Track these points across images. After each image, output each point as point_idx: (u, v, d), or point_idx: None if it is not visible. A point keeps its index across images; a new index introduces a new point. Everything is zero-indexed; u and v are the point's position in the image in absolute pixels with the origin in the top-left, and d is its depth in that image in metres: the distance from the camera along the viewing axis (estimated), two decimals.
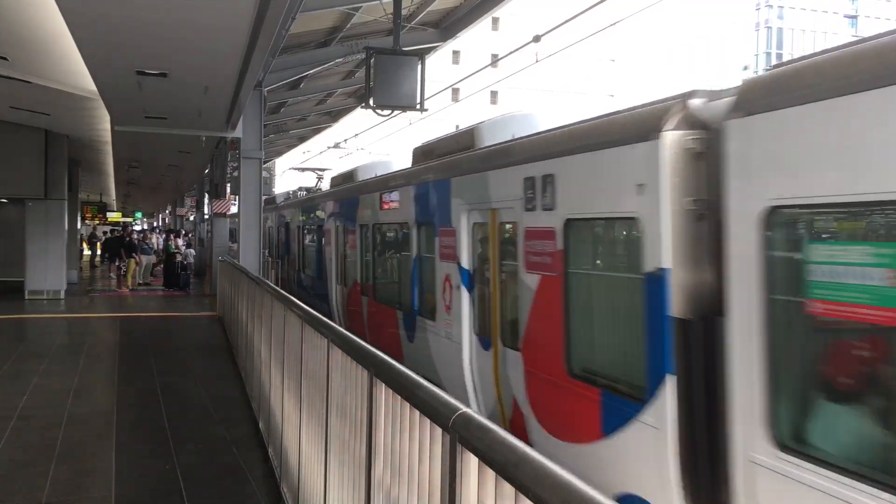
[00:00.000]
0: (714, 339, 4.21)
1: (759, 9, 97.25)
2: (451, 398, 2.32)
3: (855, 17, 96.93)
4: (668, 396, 4.44)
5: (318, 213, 16.07)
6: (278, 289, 6.81)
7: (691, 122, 4.56)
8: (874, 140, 3.31)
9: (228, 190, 21.90)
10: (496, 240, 7.11)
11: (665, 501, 4.44)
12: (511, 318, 6.75)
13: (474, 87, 28.62)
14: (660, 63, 68.28)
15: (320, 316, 4.55)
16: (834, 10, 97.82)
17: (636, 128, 4.90)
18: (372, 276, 11.85)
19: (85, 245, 34.44)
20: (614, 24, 14.03)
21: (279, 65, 16.55)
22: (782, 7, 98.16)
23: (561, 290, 5.74)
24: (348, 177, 14.96)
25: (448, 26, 16.20)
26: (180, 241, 27.07)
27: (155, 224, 61.42)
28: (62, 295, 20.21)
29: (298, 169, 25.35)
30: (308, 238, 17.53)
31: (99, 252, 34.40)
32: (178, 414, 8.34)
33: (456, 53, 64.73)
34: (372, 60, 11.80)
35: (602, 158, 5.25)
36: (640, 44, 69.81)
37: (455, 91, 45.90)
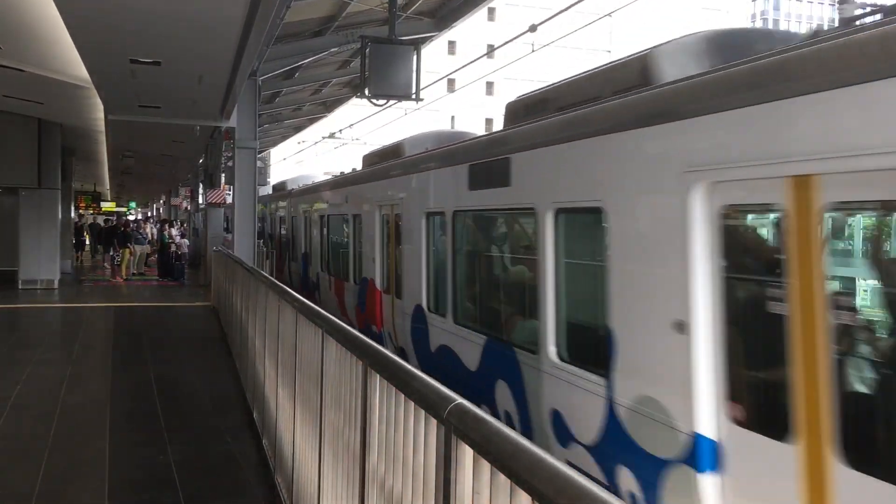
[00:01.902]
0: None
1: (754, 0, 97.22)
2: (446, 389, 2.31)
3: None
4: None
5: None
6: (272, 279, 6.78)
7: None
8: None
9: (223, 180, 21.85)
10: None
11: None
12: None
13: (470, 77, 28.53)
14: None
15: (314, 306, 4.53)
16: (829, 1, 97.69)
17: None
18: None
19: (86, 235, 34.00)
20: (610, 13, 14.00)
21: (274, 54, 16.47)
22: None
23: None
24: None
25: (444, 16, 16.12)
26: (174, 231, 26.98)
27: (149, 214, 61.25)
28: (56, 284, 20.15)
29: None
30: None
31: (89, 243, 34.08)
32: (171, 404, 8.32)
33: (452, 44, 64.54)
34: (367, 50, 11.75)
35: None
36: (636, 34, 69.68)
37: (451, 81, 45.82)
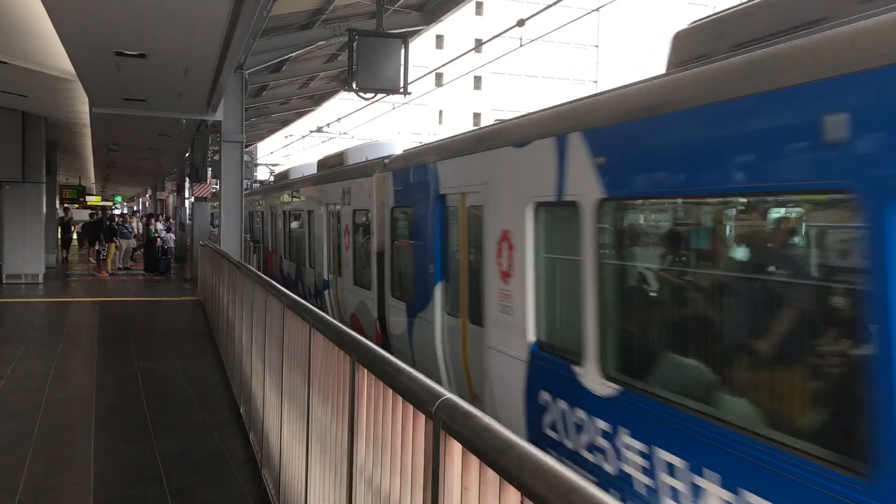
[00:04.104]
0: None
1: None
2: (434, 384, 2.29)
3: None
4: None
5: None
6: (259, 273, 6.75)
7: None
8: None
9: (209, 174, 21.73)
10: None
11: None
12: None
13: (458, 71, 28.52)
14: (642, 48, 68.36)
15: (302, 300, 4.51)
16: None
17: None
18: None
19: (73, 230, 33.39)
20: (598, 9, 14.00)
21: (260, 47, 16.38)
22: None
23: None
24: None
25: (432, 9, 16.08)
26: (160, 226, 26.82)
27: (135, 208, 60.90)
28: (40, 279, 20.00)
29: None
30: None
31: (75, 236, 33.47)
32: (157, 399, 8.28)
33: (440, 38, 64.45)
34: (355, 43, 11.70)
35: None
36: (623, 29, 69.79)
37: (438, 76, 45.80)
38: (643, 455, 4.51)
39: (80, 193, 36.55)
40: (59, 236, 27.85)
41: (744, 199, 4.16)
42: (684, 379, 4.46)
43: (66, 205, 33.64)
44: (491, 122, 9.36)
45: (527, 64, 62.96)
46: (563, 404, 5.48)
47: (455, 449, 2.01)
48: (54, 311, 15.49)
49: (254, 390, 6.53)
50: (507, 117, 8.17)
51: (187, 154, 25.01)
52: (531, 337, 5.98)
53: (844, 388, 3.45)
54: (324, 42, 17.16)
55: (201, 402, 8.20)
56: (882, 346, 3.13)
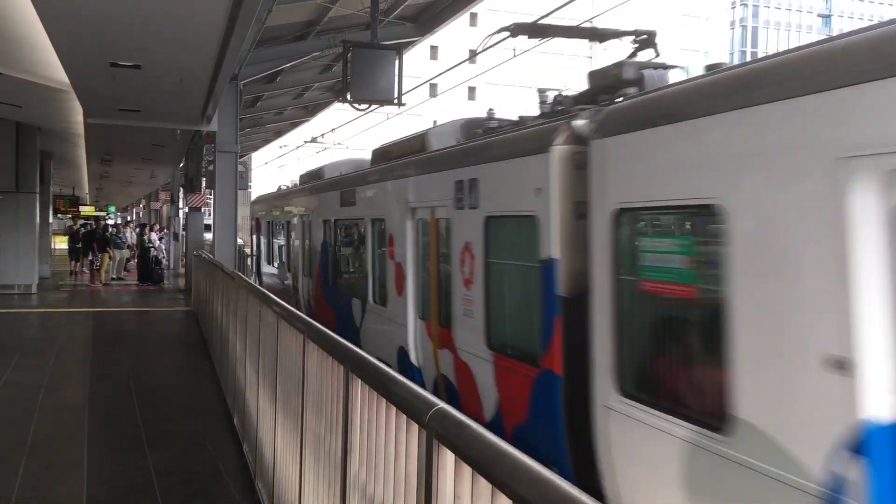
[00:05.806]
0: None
1: (734, 7, 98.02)
2: (427, 394, 2.31)
3: (829, 15, 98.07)
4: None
5: None
6: (253, 283, 6.76)
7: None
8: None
9: (204, 184, 21.72)
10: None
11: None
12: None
13: (452, 82, 28.61)
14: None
15: (296, 311, 4.52)
16: (808, 9, 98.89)
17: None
18: None
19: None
20: (591, 19, 14.06)
21: (255, 58, 16.41)
22: (757, 6, 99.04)
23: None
24: None
25: (426, 21, 16.14)
26: (154, 235, 26.75)
27: (129, 218, 60.74)
28: (34, 289, 19.93)
29: None
30: None
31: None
32: (151, 409, 8.25)
33: (434, 49, 64.64)
34: (349, 54, 11.73)
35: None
36: (616, 40, 70.06)
37: (433, 86, 45.91)
38: None
39: (73, 203, 36.40)
40: (69, 247, 27.09)
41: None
42: None
43: (70, 215, 33.27)
44: None
45: (521, 74, 63.12)
46: None
47: (448, 458, 2.02)
48: (47, 321, 15.43)
49: (247, 400, 6.52)
50: None
51: (182, 164, 25.00)
52: None
53: None
54: (318, 53, 17.21)
55: (195, 413, 8.18)
56: None
